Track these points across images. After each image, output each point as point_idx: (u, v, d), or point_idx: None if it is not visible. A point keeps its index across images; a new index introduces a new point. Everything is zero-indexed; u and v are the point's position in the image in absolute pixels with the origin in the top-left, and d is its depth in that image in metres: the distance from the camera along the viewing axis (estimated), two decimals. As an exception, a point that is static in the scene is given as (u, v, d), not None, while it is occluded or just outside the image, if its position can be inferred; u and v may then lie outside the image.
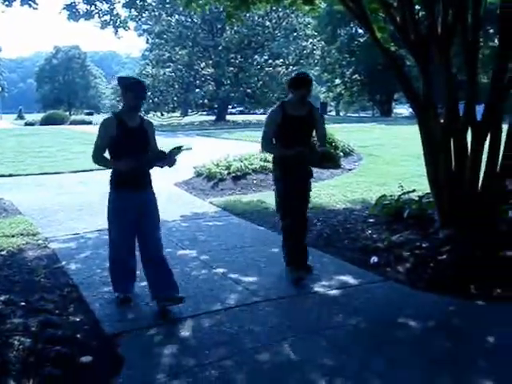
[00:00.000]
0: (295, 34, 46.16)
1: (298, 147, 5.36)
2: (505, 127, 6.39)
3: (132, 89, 4.68)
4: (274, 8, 39.96)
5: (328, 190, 10.37)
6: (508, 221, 6.76)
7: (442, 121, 6.63)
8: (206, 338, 4.30)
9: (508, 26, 6.34)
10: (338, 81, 52.83)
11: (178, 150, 4.79)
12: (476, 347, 4.15)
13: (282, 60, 47.35)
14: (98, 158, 4.78)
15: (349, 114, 57.07)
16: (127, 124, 4.70)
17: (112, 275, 5.13)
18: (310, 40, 46.46)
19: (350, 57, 50.04)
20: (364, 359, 3.97)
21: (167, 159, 4.79)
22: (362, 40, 45.89)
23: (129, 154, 4.64)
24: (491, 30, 28.98)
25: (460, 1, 6.37)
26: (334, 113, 59.35)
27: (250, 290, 5.36)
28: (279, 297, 5.18)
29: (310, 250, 5.99)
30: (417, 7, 7.33)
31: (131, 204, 4.76)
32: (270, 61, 47.09)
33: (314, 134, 5.79)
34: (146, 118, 5.16)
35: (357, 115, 55.78)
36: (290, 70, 46.97)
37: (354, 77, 51.41)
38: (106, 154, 4.81)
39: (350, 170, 13.65)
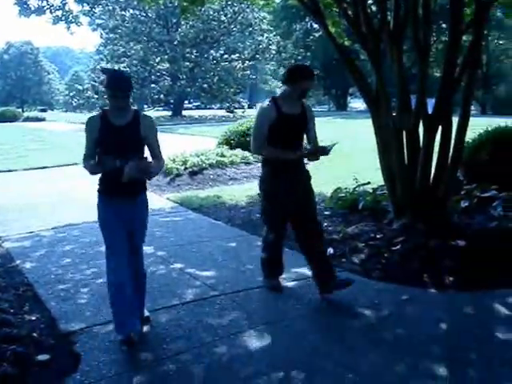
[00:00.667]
0: (251, 28, 46.22)
1: (299, 151, 4.87)
2: (455, 120, 6.54)
3: (109, 86, 3.98)
4: (229, 2, 39.97)
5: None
6: (460, 211, 6.94)
7: (394, 114, 6.75)
8: (163, 333, 4.31)
9: (457, 20, 6.49)
10: (293, 76, 53.01)
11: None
12: (428, 334, 4.26)
13: (237, 55, 47.35)
14: (85, 162, 4.18)
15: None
16: (113, 123, 4.05)
17: (115, 309, 4.15)
18: (266, 35, 46.57)
19: (306, 51, 50.36)
20: (321, 348, 4.04)
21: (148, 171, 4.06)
22: (317, 35, 46.19)
23: (113, 154, 4.01)
24: (444, 25, 29.56)
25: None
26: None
27: (207, 284, 5.38)
28: (237, 290, 5.20)
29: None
30: (369, 1, 7.45)
31: (120, 216, 4.15)
32: (226, 55, 47.03)
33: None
34: (144, 113, 4.40)
35: (313, 110, 56.08)
36: (246, 64, 47.07)
37: (310, 71, 51.67)
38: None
39: (305, 164, 13.75)
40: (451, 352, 3.98)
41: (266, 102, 4.90)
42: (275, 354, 3.96)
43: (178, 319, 4.53)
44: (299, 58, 50.94)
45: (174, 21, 44.56)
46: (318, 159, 4.95)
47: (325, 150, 4.83)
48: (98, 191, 4.22)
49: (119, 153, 3.97)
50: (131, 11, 43.62)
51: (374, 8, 8.55)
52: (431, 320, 4.51)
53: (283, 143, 4.76)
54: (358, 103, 57.94)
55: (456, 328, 4.41)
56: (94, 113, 4.26)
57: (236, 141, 14.85)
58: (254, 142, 4.88)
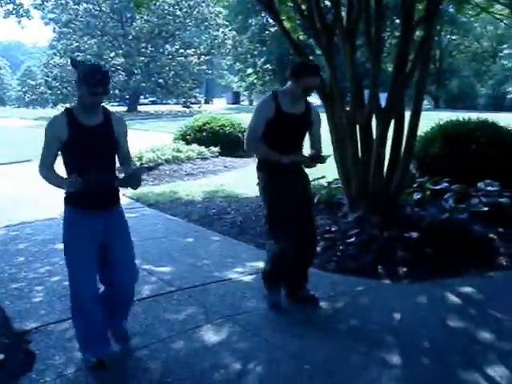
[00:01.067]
0: (206, 23, 45.98)
1: (294, 156, 4.38)
2: (408, 114, 6.67)
3: (87, 81, 3.40)
4: (184, -3, 39.73)
5: (241, 179, 10.46)
6: (413, 203, 7.08)
7: (348, 109, 6.84)
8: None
9: (409, 16, 6.60)
10: (250, 70, 53.04)
11: (147, 169, 3.99)
12: (382, 324, 4.35)
13: (193, 49, 47.08)
14: (44, 171, 3.59)
15: (261, 104, 57.31)
16: (82, 123, 3.51)
17: (80, 334, 3.84)
18: (222, 29, 46.42)
19: (262, 46, 50.35)
20: (277, 341, 4.08)
21: (131, 180, 3.67)
22: (273, 30, 46.25)
23: (87, 164, 3.49)
24: (397, 20, 29.97)
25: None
26: (247, 102, 59.55)
27: (164, 280, 5.36)
28: (193, 285, 5.19)
29: (224, 239, 6.05)
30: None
31: (92, 229, 3.62)
32: (182, 50, 46.70)
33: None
34: (115, 112, 3.88)
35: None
36: (201, 59, 46.86)
37: (265, 66, 51.73)
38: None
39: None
40: (404, 341, 4.07)
41: (266, 96, 4.53)
42: (232, 348, 3.98)
43: (134, 316, 4.49)
44: (255, 52, 50.96)
45: (129, 15, 44.04)
46: (314, 166, 4.59)
47: (322, 159, 4.45)
48: (67, 201, 3.63)
49: (91, 159, 3.49)
50: (84, 5, 42.87)
51: (328, 3, 8.62)
52: (385, 310, 4.60)
53: (279, 145, 4.33)
54: (314, 98, 58.33)
55: (409, 317, 4.51)
56: (56, 111, 3.53)
57: (192, 136, 14.81)
58: (247, 138, 4.46)
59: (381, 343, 4.01)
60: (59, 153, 3.59)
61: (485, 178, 7.33)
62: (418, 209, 6.86)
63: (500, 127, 8.02)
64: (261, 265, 5.48)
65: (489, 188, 6.68)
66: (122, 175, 3.74)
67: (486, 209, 6.18)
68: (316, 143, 4.59)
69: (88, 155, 3.52)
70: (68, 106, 3.69)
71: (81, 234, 3.60)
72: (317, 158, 4.45)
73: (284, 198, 4.39)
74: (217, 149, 13.89)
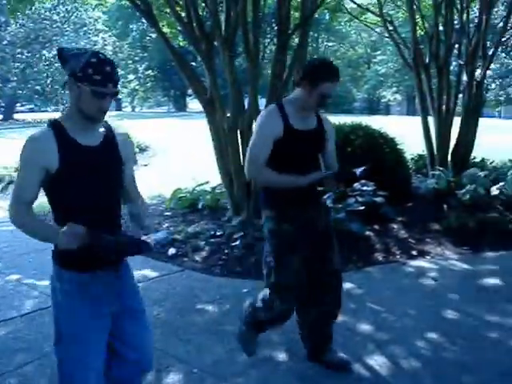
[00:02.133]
0: (85, 28, 44.89)
1: (315, 174, 3.36)
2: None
3: (88, 77, 2.31)
4: (61, 1, 38.54)
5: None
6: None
7: (228, 115, 6.96)
8: (2, 347, 4.13)
9: (285, 24, 6.83)
10: (131, 76, 52.31)
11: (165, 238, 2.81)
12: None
13: (72, 55, 45.79)
14: (20, 216, 2.42)
15: (144, 110, 56.80)
16: (78, 143, 2.40)
17: None
18: (101, 35, 45.50)
19: (143, 52, 49.84)
20: (167, 347, 4.09)
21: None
22: (154, 35, 45.90)
23: (85, 204, 2.41)
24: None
25: (243, 2, 6.69)
26: (129, 109, 58.65)
27: (46, 293, 5.19)
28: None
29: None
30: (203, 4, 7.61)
31: (101, 296, 2.52)
32: (60, 56, 45.28)
33: None
34: (119, 128, 2.67)
35: (152, 111, 55.73)
36: (81, 65, 45.59)
37: (147, 72, 51.26)
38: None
39: (145, 165, 13.75)
40: (289, 338, 4.20)
41: (269, 109, 3.48)
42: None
43: (17, 331, 4.37)
44: (136, 58, 50.35)
45: (3, 20, 42.06)
46: (340, 188, 3.71)
47: (351, 177, 3.40)
48: (62, 262, 2.48)
49: (91, 195, 2.41)
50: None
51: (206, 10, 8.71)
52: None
53: (291, 170, 3.33)
54: (197, 104, 58.38)
55: (293, 315, 4.66)
56: (38, 132, 2.42)
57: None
58: (249, 165, 3.41)
59: (267, 342, 4.13)
60: (41, 188, 2.43)
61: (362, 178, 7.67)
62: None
63: (373, 130, 8.45)
64: (148, 273, 5.49)
65: (364, 188, 7.01)
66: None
67: (362, 208, 6.48)
68: (331, 163, 3.62)
69: (87, 191, 2.41)
70: (53, 118, 2.47)
71: (85, 305, 2.47)
72: (340, 177, 3.41)
73: (300, 244, 3.43)
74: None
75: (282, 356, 3.97)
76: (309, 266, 3.49)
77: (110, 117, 30.46)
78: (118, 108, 52.55)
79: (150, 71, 50.53)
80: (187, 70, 7.11)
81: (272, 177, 3.37)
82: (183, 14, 7.18)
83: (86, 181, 2.39)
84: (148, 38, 47.90)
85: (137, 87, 52.50)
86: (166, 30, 10.47)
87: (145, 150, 15.57)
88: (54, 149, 2.34)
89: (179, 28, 9.06)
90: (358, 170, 3.31)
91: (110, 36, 46.07)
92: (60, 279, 2.48)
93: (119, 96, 56.94)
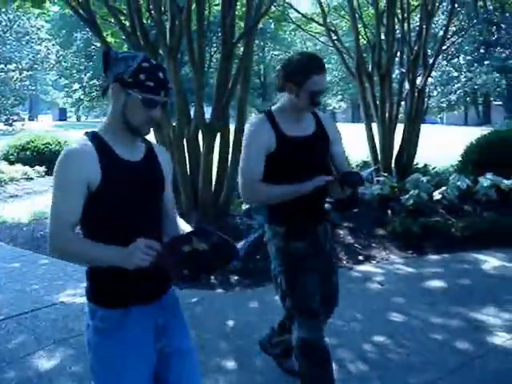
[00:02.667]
0: (28, 37, 44.08)
1: (318, 180, 2.89)
2: (233, 127, 6.92)
3: (139, 83, 2.08)
4: (3, 10, 37.64)
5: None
6: (242, 213, 7.33)
7: (174, 124, 6.94)
8: None
9: (229, 34, 6.86)
10: (76, 86, 51.53)
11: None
12: (216, 333, 4.48)
13: (14, 65, 44.73)
14: (63, 237, 2.06)
15: (90, 120, 56.04)
16: (121, 158, 2.16)
17: None
18: (45, 44, 44.73)
19: (88, 61, 49.17)
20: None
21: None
22: (99, 44, 45.43)
23: (129, 222, 2.14)
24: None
25: (187, 11, 6.69)
26: (74, 119, 57.72)
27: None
28: (23, 312, 4.99)
29: (53, 262, 5.82)
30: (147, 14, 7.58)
31: (143, 337, 2.20)
32: (2, 66, 44.23)
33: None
34: (154, 142, 2.49)
35: (98, 120, 54.95)
36: (23, 74, 44.68)
37: (92, 82, 50.54)
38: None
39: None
40: (238, 346, 4.22)
41: (257, 118, 3.08)
42: (67, 372, 3.89)
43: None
44: (81, 67, 49.65)
45: None
46: (345, 194, 2.93)
47: (356, 179, 2.89)
48: (92, 297, 2.19)
49: (134, 213, 2.15)
50: None
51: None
52: (219, 318, 4.76)
53: (293, 181, 2.91)
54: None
55: (242, 324, 4.68)
56: (76, 145, 2.17)
57: (16, 156, 14.18)
58: (243, 184, 2.99)
59: (217, 351, 4.13)
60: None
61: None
62: (247, 218, 7.12)
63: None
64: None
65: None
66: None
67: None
68: (341, 164, 3.21)
69: (128, 209, 2.14)
70: (91, 130, 2.24)
71: (123, 347, 2.15)
72: (348, 178, 2.91)
73: (312, 262, 3.06)
74: (42, 168, 13.38)
75: (230, 364, 3.97)
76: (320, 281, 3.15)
77: (53, 126, 29.91)
78: (63, 118, 51.71)
79: (95, 80, 49.84)
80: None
81: (272, 191, 2.93)
82: (127, 24, 7.13)
83: (127, 198, 2.13)
84: (93, 46, 47.32)
85: (82, 96, 51.68)
86: (110, 39, 10.39)
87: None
88: (95, 163, 2.08)
89: (124, 37, 9.02)
90: (365, 172, 3.00)
91: (53, 45, 45.34)
92: (93, 316, 2.16)
93: (63, 106, 56.19)
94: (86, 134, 2.20)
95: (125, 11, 7.35)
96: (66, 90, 52.92)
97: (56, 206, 2.09)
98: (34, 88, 53.62)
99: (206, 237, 1.96)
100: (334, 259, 3.39)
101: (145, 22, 7.32)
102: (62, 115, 54.11)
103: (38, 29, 44.24)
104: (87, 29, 46.29)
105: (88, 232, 2.13)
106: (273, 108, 3.08)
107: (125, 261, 1.96)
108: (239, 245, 2.08)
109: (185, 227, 2.34)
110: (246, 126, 3.09)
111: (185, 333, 2.35)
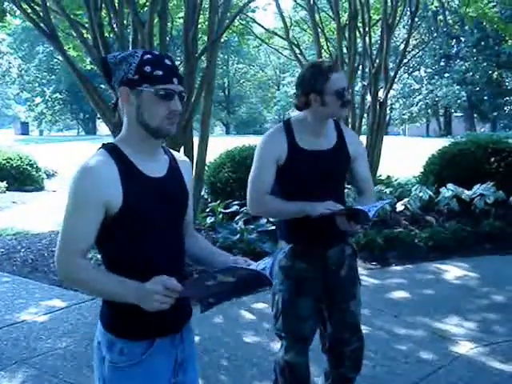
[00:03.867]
0: (-12, 50, 43.53)
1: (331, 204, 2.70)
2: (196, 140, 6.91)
3: (149, 75, 1.85)
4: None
5: (32, 214, 10.00)
6: (206, 227, 7.32)
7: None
8: None
9: (192, 48, 6.85)
10: (38, 99, 50.90)
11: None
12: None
13: (-26, 78, 44.16)
14: (73, 268, 1.85)
15: (53, 134, 55.30)
16: (145, 173, 1.92)
17: None
18: (6, 57, 44.18)
19: (50, 75, 48.67)
20: (76, 380, 3.97)
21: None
22: (62, 58, 45.07)
23: (156, 243, 1.92)
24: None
25: (149, 25, 6.65)
26: (37, 133, 56.92)
27: None
28: (-18, 332, 4.87)
29: (14, 280, 5.72)
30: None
31: (163, 372, 2.00)
32: (-39, 79, 43.61)
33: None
34: (173, 150, 2.20)
35: (61, 134, 54.34)
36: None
37: (55, 95, 50.02)
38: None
39: (54, 191, 13.42)
40: (205, 362, 4.17)
41: (274, 128, 3.00)
42: (26, 393, 3.81)
43: None
44: (43, 81, 49.10)
45: None
46: (353, 230, 2.76)
47: (363, 218, 2.68)
48: (111, 328, 1.96)
49: (158, 234, 1.92)
50: None
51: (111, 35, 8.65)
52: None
53: (302, 196, 2.79)
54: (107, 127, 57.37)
55: (207, 339, 4.62)
56: (94, 159, 1.89)
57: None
58: (252, 196, 2.88)
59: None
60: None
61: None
62: (212, 232, 7.10)
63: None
64: (57, 303, 5.31)
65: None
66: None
67: (273, 227, 6.55)
68: (367, 190, 3.03)
69: (153, 230, 1.92)
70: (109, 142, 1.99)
71: (151, 381, 1.97)
72: (354, 212, 2.68)
73: (312, 285, 2.92)
74: (3, 183, 13.14)
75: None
76: (327, 316, 3.03)
77: (16, 141, 29.55)
78: (25, 132, 50.88)
79: (57, 94, 49.33)
80: (93, 94, 6.99)
81: (278, 206, 2.83)
82: (89, 37, 7.08)
83: (150, 221, 1.89)
84: (56, 60, 46.88)
85: (44, 110, 51.05)
86: (72, 52, 10.31)
87: (52, 175, 15.19)
88: (117, 183, 1.84)
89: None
90: (372, 211, 2.60)
91: (15, 58, 44.80)
92: (110, 349, 1.92)
93: (26, 120, 55.41)
94: (104, 146, 1.94)
95: (86, 25, 7.28)
96: (28, 103, 52.23)
97: (67, 230, 1.85)
98: (-6, 102, 52.91)
99: (233, 272, 1.77)
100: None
101: (107, 35, 7.25)
102: (25, 129, 53.24)
103: (0, 42, 43.66)
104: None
105: (104, 258, 1.92)
106: (292, 118, 2.95)
107: (142, 301, 1.77)
108: (268, 265, 1.87)
109: (204, 243, 2.19)
110: (262, 136, 2.97)
111: (195, 367, 2.15)
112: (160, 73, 1.84)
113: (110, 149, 1.91)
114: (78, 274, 1.84)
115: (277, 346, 4.34)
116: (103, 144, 1.96)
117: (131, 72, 1.86)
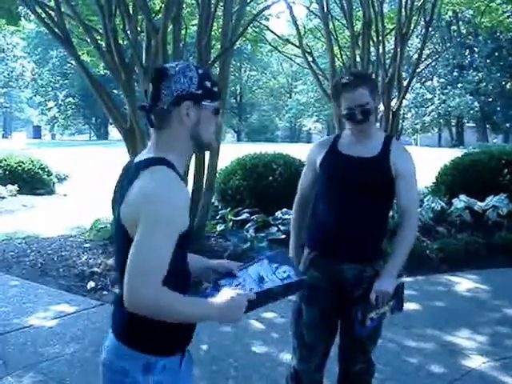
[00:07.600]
0: (3, 54, 43.84)
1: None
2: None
3: (210, 91, 1.86)
4: (-24, 27, 37.50)
5: (42, 218, 10.01)
6: (216, 235, 7.29)
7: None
8: None
9: (204, 54, 6.86)
10: (51, 104, 51.21)
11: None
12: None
13: (-12, 82, 44.50)
14: (154, 290, 1.68)
15: (65, 138, 55.62)
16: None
17: None
18: (20, 61, 44.54)
19: (63, 79, 48.97)
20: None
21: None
22: (74, 62, 45.30)
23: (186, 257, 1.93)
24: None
25: (163, 31, 6.66)
26: (49, 137, 57.24)
27: None
28: (-11, 336, 4.86)
29: (23, 283, 5.71)
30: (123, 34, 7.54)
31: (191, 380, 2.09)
32: (-25, 82, 43.95)
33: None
34: None
35: (73, 139, 54.60)
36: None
37: (68, 100, 50.31)
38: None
39: (65, 195, 13.44)
40: (213, 371, 4.14)
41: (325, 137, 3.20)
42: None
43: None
44: (56, 85, 49.41)
45: None
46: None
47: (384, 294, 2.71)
48: (149, 348, 1.85)
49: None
50: None
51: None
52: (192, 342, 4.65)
53: (324, 204, 2.90)
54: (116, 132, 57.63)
55: (216, 348, 4.59)
56: (175, 180, 1.79)
57: (-14, 174, 13.95)
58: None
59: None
60: None
61: (283, 206, 7.75)
62: (222, 239, 7.08)
63: (293, 159, 8.58)
64: (64, 308, 5.29)
65: (286, 216, 7.08)
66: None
67: (283, 236, 6.52)
68: (407, 208, 2.83)
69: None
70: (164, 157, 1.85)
71: None
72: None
73: (322, 295, 2.89)
74: (15, 187, 13.17)
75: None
76: (340, 332, 2.99)
77: (29, 145, 29.69)
78: (37, 136, 51.24)
79: (70, 98, 49.61)
80: (106, 99, 7.00)
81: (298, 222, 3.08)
82: (103, 43, 7.09)
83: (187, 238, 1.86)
84: (69, 64, 47.20)
85: (57, 114, 51.36)
86: (86, 57, 10.34)
87: (64, 179, 15.21)
88: (186, 203, 1.80)
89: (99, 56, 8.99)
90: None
91: (28, 62, 45.14)
92: (148, 371, 1.83)
93: (38, 124, 55.73)
94: (164, 163, 1.81)
95: (101, 30, 7.30)
96: (41, 107, 52.58)
97: (157, 257, 1.70)
98: (8, 105, 53.29)
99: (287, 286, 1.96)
100: None
101: (120, 41, 7.27)
102: (37, 133, 53.57)
103: (14, 46, 44.09)
104: (63, 47, 46.20)
105: (173, 280, 1.76)
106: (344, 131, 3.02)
107: (228, 316, 1.80)
108: (290, 273, 2.03)
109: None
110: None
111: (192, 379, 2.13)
112: (216, 89, 1.88)
113: (171, 166, 1.81)
114: (166, 300, 1.72)
115: (286, 356, 4.34)
116: (161, 160, 1.82)
117: (193, 86, 1.82)
